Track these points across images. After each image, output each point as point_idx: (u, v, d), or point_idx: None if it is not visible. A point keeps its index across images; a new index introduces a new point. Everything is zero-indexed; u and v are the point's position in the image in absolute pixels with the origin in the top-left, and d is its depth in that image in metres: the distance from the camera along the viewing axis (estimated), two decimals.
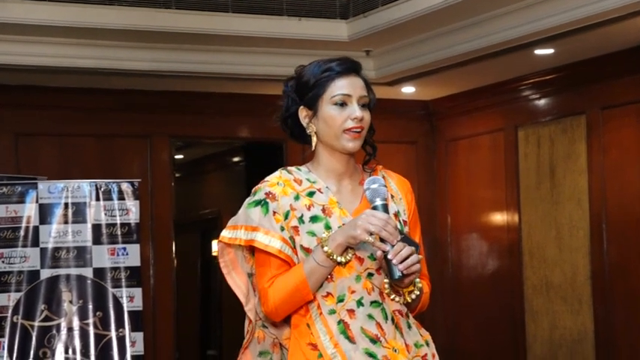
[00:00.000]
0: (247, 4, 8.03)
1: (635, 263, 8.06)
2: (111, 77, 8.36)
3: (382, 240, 3.13)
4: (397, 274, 3.11)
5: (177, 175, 9.30)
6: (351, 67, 3.34)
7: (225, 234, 3.34)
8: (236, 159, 10.92)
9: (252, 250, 3.35)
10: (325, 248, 3.18)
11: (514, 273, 9.12)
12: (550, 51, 8.01)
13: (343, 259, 3.19)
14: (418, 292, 3.27)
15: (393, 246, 3.12)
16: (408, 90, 9.24)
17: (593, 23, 7.25)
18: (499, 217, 9.36)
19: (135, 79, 8.45)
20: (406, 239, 3.20)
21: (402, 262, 3.11)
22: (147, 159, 8.98)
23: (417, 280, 3.26)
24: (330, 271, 3.22)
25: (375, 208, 3.20)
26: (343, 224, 3.26)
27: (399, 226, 3.28)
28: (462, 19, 7.70)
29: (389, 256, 3.11)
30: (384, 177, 3.46)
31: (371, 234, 3.12)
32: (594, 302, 8.39)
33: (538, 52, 8.03)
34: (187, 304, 9.56)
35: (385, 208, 3.23)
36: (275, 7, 8.09)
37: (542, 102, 8.98)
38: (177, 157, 9.43)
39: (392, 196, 3.41)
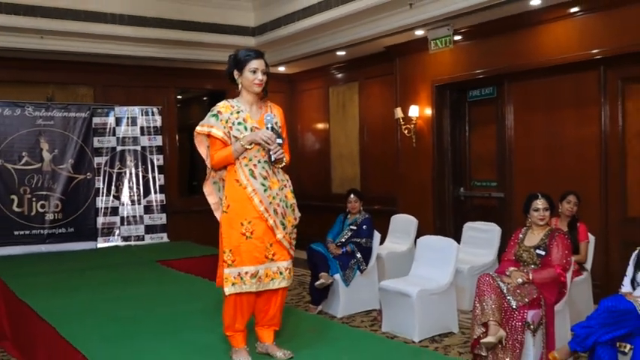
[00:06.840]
0: (210, 28, 7.97)
1: (378, 144, 8.18)
2: (151, 60, 8.18)
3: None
4: (273, 158, 3.13)
5: (178, 105, 9.24)
6: (259, 55, 3.23)
7: (198, 128, 3.24)
8: (204, 98, 10.72)
9: (209, 136, 3.22)
10: (241, 142, 3.14)
11: (326, 151, 9.17)
12: (344, 53, 7.96)
13: (249, 146, 3.13)
14: (283, 164, 3.21)
15: (273, 147, 3.12)
16: (281, 69, 9.15)
17: (362, 41, 7.22)
18: (320, 126, 9.35)
19: (161, 61, 8.28)
20: (279, 135, 3.20)
21: (275, 154, 3.12)
22: (165, 97, 8.84)
23: (284, 156, 3.19)
24: (243, 151, 3.15)
25: (267, 128, 3.15)
26: (253, 127, 3.18)
27: (276, 129, 3.21)
28: (306, 38, 7.74)
29: (270, 152, 3.12)
30: (270, 107, 3.31)
31: (264, 141, 3.12)
32: (360, 161, 8.52)
33: (338, 53, 7.97)
34: (183, 164, 9.51)
35: (273, 130, 3.17)
36: (221, 29, 8.04)
37: (339, 75, 8.88)
38: (178, 97, 9.34)
39: (274, 115, 3.27)
